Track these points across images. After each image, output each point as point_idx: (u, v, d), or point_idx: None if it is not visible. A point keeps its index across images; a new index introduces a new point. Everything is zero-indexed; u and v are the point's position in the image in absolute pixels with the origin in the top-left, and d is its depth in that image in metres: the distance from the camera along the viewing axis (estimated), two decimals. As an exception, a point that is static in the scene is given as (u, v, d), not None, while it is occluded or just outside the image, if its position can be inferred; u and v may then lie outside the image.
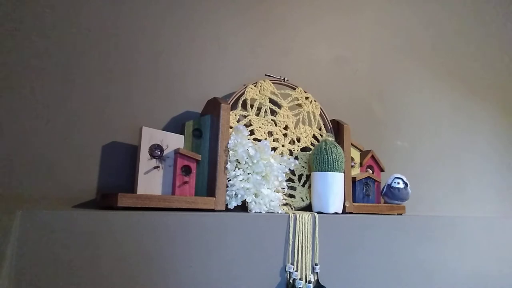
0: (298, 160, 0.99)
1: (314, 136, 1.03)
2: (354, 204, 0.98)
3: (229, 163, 0.82)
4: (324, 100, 1.09)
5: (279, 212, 0.84)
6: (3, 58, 0.76)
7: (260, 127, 0.95)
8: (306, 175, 0.99)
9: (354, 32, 1.32)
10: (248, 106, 0.94)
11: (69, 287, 0.56)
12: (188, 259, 0.67)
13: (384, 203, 1.09)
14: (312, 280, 0.80)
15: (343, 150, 0.98)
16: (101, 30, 0.87)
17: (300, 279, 0.78)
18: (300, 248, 0.79)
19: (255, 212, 0.82)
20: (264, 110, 0.96)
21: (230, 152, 0.83)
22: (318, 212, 0.89)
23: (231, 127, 0.88)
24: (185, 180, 0.80)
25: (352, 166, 1.06)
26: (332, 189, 0.91)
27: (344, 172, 0.96)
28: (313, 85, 1.14)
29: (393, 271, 0.93)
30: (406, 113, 1.41)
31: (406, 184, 1.07)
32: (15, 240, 0.53)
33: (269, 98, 0.98)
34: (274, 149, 0.96)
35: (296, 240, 0.79)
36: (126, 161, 0.86)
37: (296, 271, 0.78)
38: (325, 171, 0.92)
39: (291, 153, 0.99)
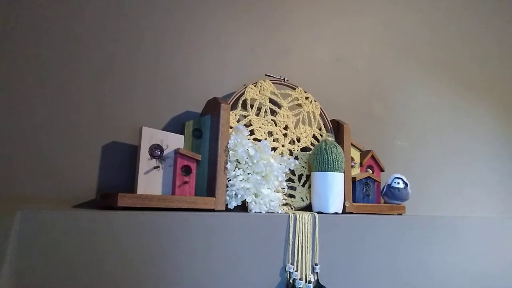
0: (298, 160, 0.99)
1: (314, 136, 1.02)
2: (354, 204, 0.98)
3: (229, 163, 0.82)
4: (324, 100, 1.09)
5: (279, 212, 0.84)
6: (2, 58, 0.76)
7: (260, 127, 0.95)
8: (306, 175, 0.99)
9: (354, 32, 1.32)
10: (248, 106, 0.94)
11: (69, 287, 0.56)
12: (188, 259, 0.67)
13: (384, 203, 1.09)
14: (312, 280, 0.80)
15: (343, 150, 0.98)
16: (101, 30, 0.87)
17: (300, 279, 0.78)
18: (300, 248, 0.79)
19: (255, 212, 0.82)
20: (264, 110, 0.96)
21: (230, 152, 0.83)
22: (318, 212, 0.89)
23: (231, 127, 0.88)
24: (185, 180, 0.80)
25: (352, 166, 1.06)
26: (332, 189, 0.91)
27: (344, 172, 0.96)
28: (313, 85, 1.14)
29: (393, 271, 0.92)
30: (406, 113, 1.41)
31: (406, 184, 1.07)
32: (15, 240, 0.53)
33: (269, 98, 0.98)
34: (274, 149, 0.96)
35: (296, 240, 0.79)
36: (126, 161, 0.86)
37: (296, 271, 0.78)
38: (325, 171, 0.92)
39: (291, 153, 0.99)
